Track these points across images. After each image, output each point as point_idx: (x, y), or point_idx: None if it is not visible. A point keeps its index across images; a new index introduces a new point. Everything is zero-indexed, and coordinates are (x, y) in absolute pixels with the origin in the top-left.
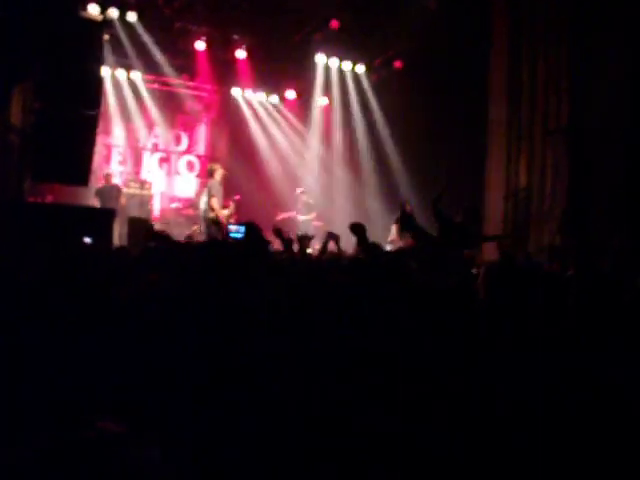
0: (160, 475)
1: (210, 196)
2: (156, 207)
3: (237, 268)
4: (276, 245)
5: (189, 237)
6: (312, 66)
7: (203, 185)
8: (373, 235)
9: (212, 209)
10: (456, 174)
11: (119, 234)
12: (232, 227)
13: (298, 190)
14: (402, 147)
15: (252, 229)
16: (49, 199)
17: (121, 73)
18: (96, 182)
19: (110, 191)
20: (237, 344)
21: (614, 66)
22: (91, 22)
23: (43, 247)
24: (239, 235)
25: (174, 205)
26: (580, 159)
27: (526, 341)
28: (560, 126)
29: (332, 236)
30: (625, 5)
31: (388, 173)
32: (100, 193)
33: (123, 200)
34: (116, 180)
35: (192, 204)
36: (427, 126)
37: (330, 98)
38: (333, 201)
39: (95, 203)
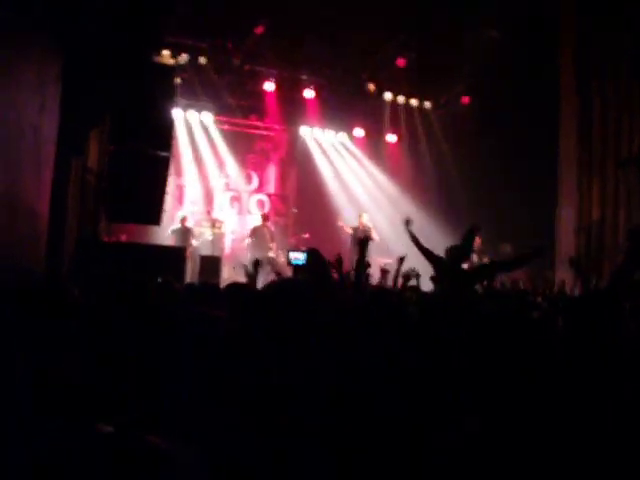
0: None
1: None
2: (227, 245)
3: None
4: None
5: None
6: (380, 103)
7: (272, 223)
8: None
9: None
10: (527, 209)
11: (192, 271)
12: (293, 254)
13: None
14: (471, 182)
15: (314, 255)
16: (123, 238)
17: (192, 115)
18: (169, 222)
19: (185, 232)
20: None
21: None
22: (164, 67)
23: (116, 283)
24: (300, 262)
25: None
26: None
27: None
28: (632, 156)
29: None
30: None
31: (457, 207)
32: (175, 233)
33: (195, 241)
34: (189, 221)
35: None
36: (496, 161)
37: (398, 135)
38: (400, 236)
39: (170, 243)
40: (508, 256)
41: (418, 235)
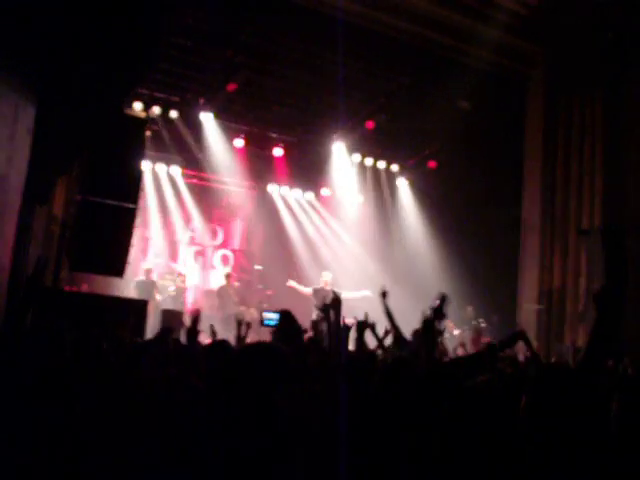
0: None
1: None
2: (189, 300)
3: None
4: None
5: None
6: (347, 164)
7: (236, 279)
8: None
9: None
10: (490, 275)
11: (152, 326)
12: (267, 314)
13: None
14: (435, 245)
15: (286, 317)
16: (84, 288)
17: (161, 167)
18: (132, 274)
19: (148, 285)
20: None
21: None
22: (135, 119)
23: (74, 334)
24: (272, 322)
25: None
26: (615, 258)
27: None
28: (594, 225)
29: (367, 325)
30: None
31: (421, 270)
32: (138, 286)
33: (157, 294)
34: (153, 274)
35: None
36: (460, 225)
37: (364, 195)
38: (366, 298)
39: (133, 295)
40: (470, 320)
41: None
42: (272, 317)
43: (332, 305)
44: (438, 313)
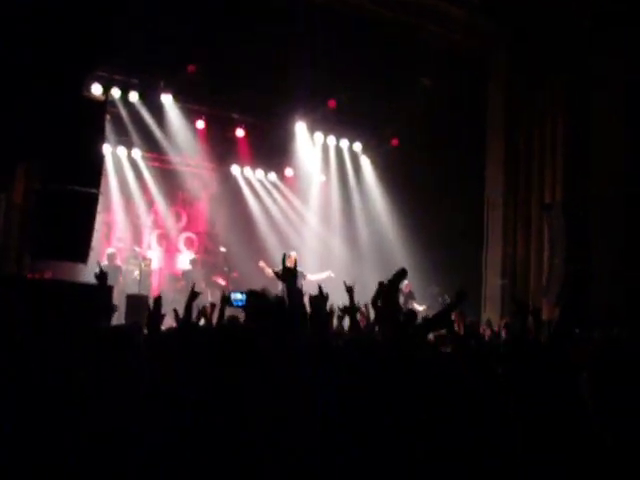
0: None
1: None
2: (154, 283)
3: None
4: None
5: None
6: (310, 144)
7: (200, 262)
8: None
9: None
10: (455, 251)
11: (118, 311)
12: (234, 295)
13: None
14: (399, 223)
15: (254, 297)
16: (48, 275)
17: (122, 151)
18: (96, 260)
19: (112, 270)
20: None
21: (612, 134)
22: (94, 102)
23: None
24: (240, 303)
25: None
26: (577, 232)
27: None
28: (556, 200)
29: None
30: (619, 78)
31: (386, 248)
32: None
33: (122, 279)
34: (117, 258)
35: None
36: (424, 203)
37: (328, 175)
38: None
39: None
40: (435, 297)
41: (344, 271)
42: (240, 297)
43: (284, 275)
44: (393, 284)
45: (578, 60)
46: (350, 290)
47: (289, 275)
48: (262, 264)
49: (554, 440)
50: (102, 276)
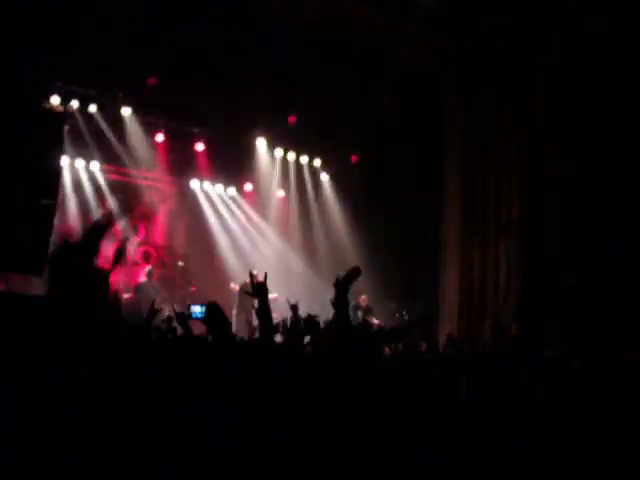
0: None
1: None
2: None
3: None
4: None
5: None
6: (270, 159)
7: (158, 275)
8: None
9: None
10: (413, 268)
11: None
12: (194, 307)
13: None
14: (358, 239)
15: (213, 309)
16: (1, 288)
17: (80, 163)
18: None
19: None
20: None
21: (565, 154)
22: (53, 113)
23: None
24: (199, 315)
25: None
26: (534, 250)
27: None
28: (512, 219)
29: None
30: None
31: (344, 263)
32: None
33: None
34: None
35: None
36: (382, 219)
37: (287, 190)
38: (290, 291)
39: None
40: (393, 313)
41: (303, 286)
42: (198, 310)
43: (257, 291)
44: (348, 280)
45: (527, 75)
46: (294, 307)
47: (261, 291)
48: (233, 285)
49: None
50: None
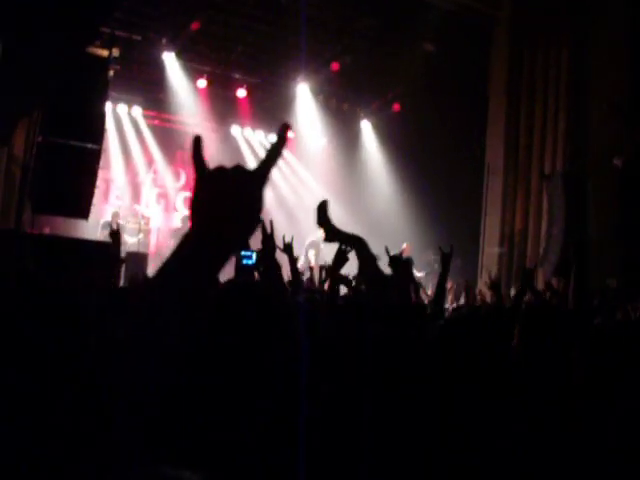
0: None
1: None
2: (152, 242)
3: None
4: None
5: None
6: (312, 106)
7: None
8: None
9: None
10: (454, 218)
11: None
12: (244, 253)
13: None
14: (399, 188)
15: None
16: (46, 231)
17: (122, 108)
18: (94, 216)
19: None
20: None
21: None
22: (97, 58)
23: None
24: (251, 262)
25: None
26: (576, 202)
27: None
28: (556, 170)
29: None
30: (617, 53)
31: (384, 212)
32: (106, 227)
33: (129, 237)
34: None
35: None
36: (424, 168)
37: (328, 138)
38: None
39: (100, 237)
40: (431, 264)
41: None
42: (250, 255)
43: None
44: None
45: (581, 21)
46: (288, 248)
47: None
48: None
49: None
50: (116, 234)
